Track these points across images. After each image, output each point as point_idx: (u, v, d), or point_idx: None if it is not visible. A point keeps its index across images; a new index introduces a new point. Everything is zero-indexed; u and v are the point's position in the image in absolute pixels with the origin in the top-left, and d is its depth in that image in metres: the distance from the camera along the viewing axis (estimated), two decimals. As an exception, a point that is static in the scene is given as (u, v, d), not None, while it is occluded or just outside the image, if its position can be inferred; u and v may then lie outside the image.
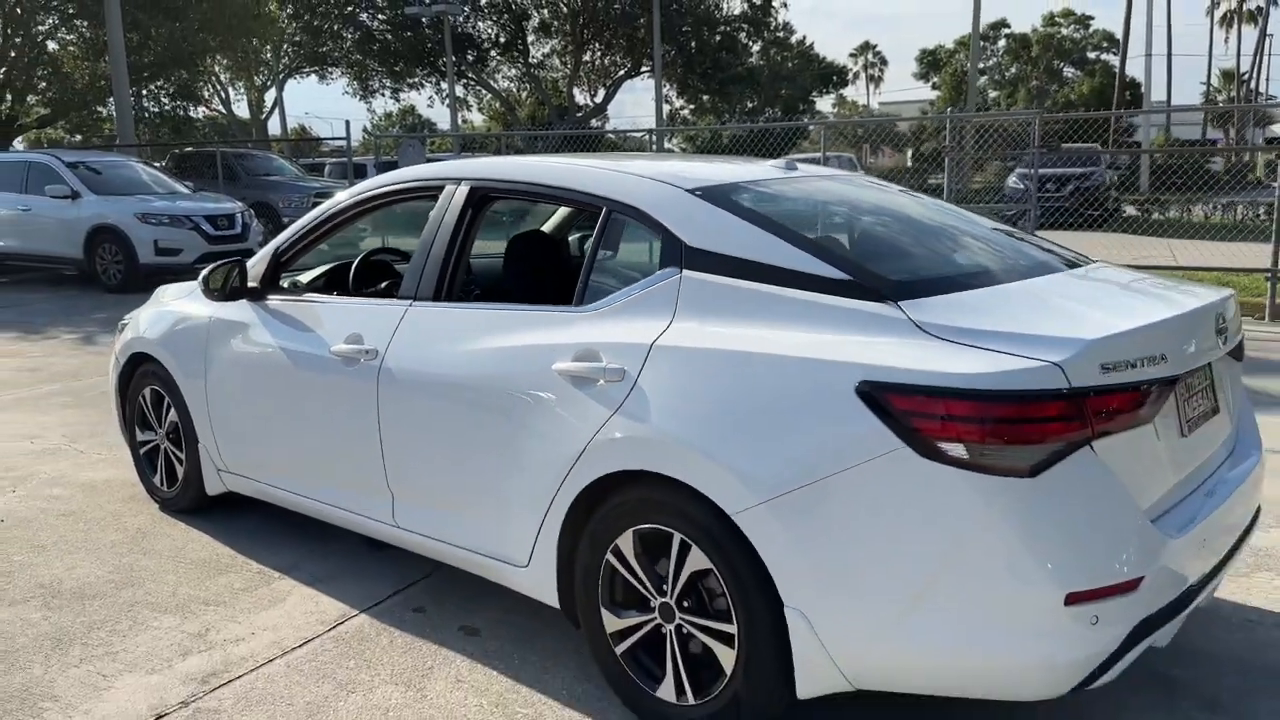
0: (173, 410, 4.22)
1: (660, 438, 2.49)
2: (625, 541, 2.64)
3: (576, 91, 38.74)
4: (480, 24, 36.03)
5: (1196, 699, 2.78)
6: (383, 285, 3.94)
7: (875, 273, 2.47)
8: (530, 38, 36.32)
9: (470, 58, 36.24)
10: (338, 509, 3.54)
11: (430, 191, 3.42)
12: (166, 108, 21.64)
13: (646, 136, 19.13)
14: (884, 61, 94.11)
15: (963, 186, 21.02)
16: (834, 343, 2.32)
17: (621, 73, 36.55)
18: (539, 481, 2.77)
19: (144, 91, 20.57)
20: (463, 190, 3.28)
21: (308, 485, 3.65)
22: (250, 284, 3.84)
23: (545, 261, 3.65)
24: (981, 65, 64.80)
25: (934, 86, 67.71)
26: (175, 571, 3.76)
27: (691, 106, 43.36)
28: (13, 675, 2.99)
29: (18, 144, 21.87)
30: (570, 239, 4.53)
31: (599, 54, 36.97)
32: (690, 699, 2.57)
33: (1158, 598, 2.22)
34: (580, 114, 37.29)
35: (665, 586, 2.58)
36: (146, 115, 21.35)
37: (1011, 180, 21.74)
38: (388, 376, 3.20)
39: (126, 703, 2.84)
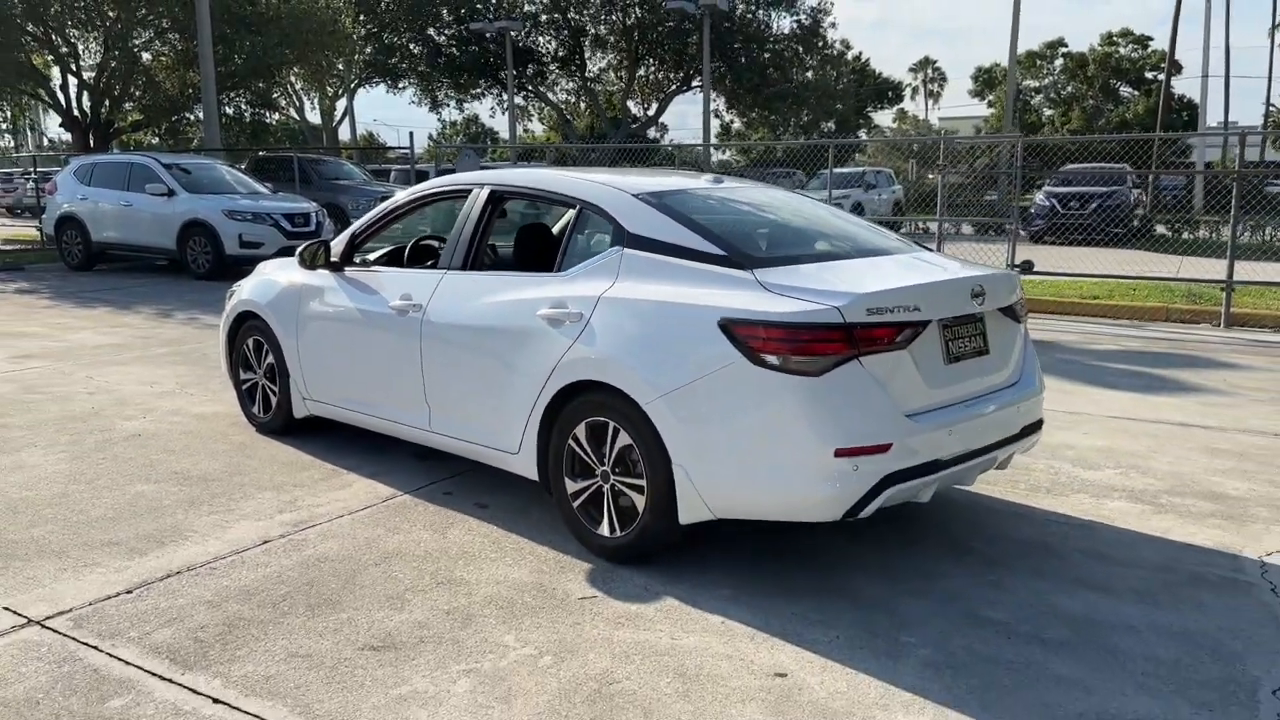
0: (270, 354, 5.60)
1: (602, 358, 3.78)
2: (580, 430, 3.93)
3: (630, 104, 40.24)
4: (540, 39, 37.67)
5: (981, 558, 3.98)
6: (428, 262, 5.29)
7: (742, 251, 3.75)
8: (587, 53, 37.84)
9: (529, 71, 37.89)
10: (391, 422, 4.88)
11: (463, 194, 4.76)
12: (246, 115, 23.51)
13: (702, 149, 20.39)
14: (943, 77, 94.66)
15: (1001, 202, 22.02)
16: (708, 294, 3.59)
17: (673, 87, 37.89)
18: (526, 392, 4.08)
19: (227, 99, 22.41)
20: (484, 192, 4.62)
21: (370, 405, 5.00)
22: (332, 259, 5.21)
23: (540, 243, 4.96)
24: (1036, 83, 65.16)
25: (989, 104, 68.00)
26: (270, 468, 5.14)
27: (746, 119, 44.60)
28: (164, 519, 4.37)
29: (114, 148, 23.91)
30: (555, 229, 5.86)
31: (652, 69, 38.43)
32: (618, 533, 3.85)
33: (904, 460, 3.44)
34: (634, 125, 38.76)
35: (604, 459, 3.86)
36: (227, 121, 23.22)
37: (1039, 198, 22.69)
38: (428, 323, 4.54)
39: (243, 535, 4.19)
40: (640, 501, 3.75)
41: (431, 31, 36.67)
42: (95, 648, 3.18)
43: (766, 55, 36.17)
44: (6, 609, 3.45)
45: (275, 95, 24.07)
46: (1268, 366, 7.93)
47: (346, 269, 5.17)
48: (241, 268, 11.59)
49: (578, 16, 36.64)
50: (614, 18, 36.03)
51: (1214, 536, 4.23)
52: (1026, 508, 4.59)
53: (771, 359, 3.37)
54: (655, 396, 3.60)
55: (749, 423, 3.44)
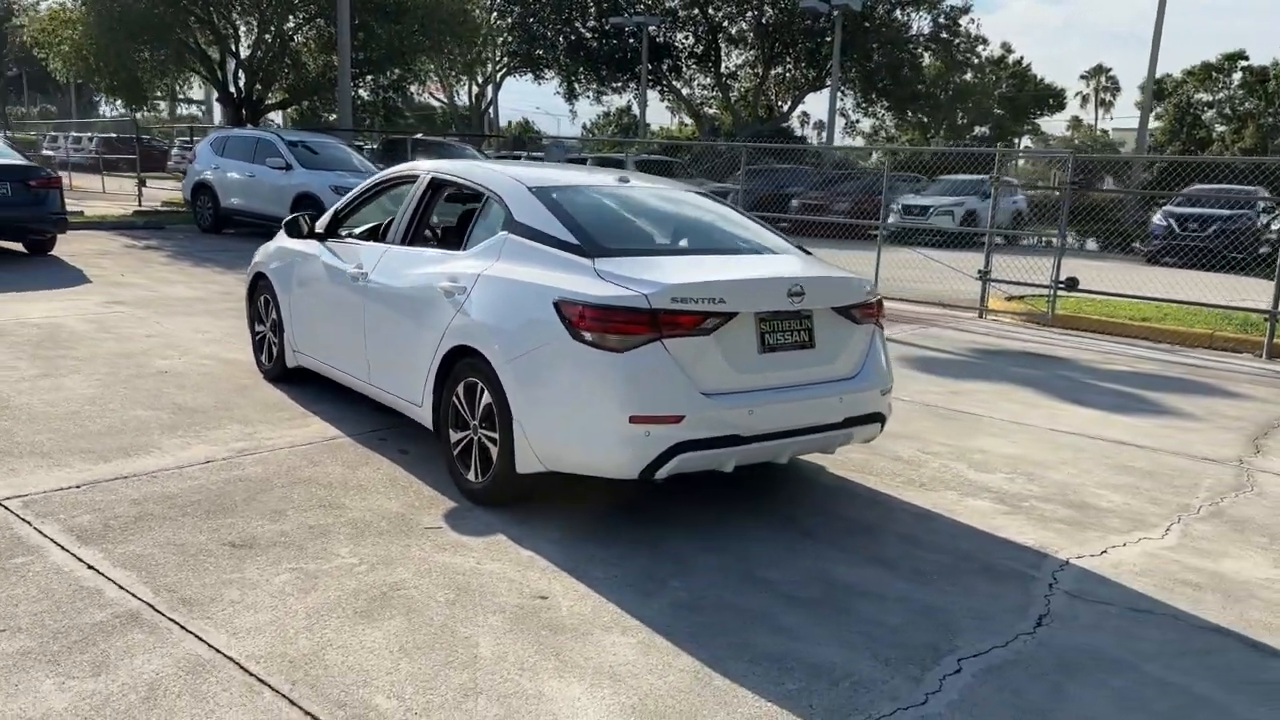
0: (274, 310, 6.45)
1: (473, 326, 4.39)
2: (460, 389, 4.55)
3: (766, 100, 40.49)
4: (678, 35, 38.35)
5: (801, 530, 4.40)
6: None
7: (593, 241, 4.29)
8: (722, 49, 38.28)
9: (665, 66, 38.64)
10: (344, 374, 5.63)
11: (410, 179, 5.45)
12: (381, 99, 25.16)
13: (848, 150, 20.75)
14: (1116, 86, 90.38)
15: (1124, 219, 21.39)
16: (553, 277, 4.15)
17: (806, 85, 37.92)
18: (426, 353, 4.73)
19: (364, 83, 24.04)
20: (426, 179, 5.30)
21: (333, 359, 5.76)
22: (316, 230, 5.99)
23: (463, 225, 5.56)
24: (1210, 97, 61.56)
25: (1157, 116, 64.61)
26: (253, 407, 5.97)
27: (897, 121, 44.08)
28: (141, 437, 5.23)
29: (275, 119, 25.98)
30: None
31: (789, 66, 38.56)
32: (480, 478, 4.46)
33: (696, 432, 3.92)
34: (768, 121, 39.00)
35: (475, 414, 4.47)
36: (363, 104, 24.90)
37: (1156, 218, 21.84)
38: (370, 289, 5.25)
39: (194, 455, 5.00)
40: (495, 452, 4.34)
41: (576, 24, 37.92)
42: (27, 522, 4.02)
43: (903, 56, 35.76)
44: (50, 485, 4.35)
45: (409, 81, 25.55)
46: (1269, 398, 7.81)
47: (329, 240, 5.94)
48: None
49: (715, 13, 37.14)
50: (750, 15, 36.34)
51: (1042, 538, 4.50)
52: (887, 496, 4.94)
53: (587, 335, 3.90)
54: (504, 361, 4.18)
55: (567, 389, 3.99)
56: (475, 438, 4.48)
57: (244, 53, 23.45)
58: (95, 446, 5.03)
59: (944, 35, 36.38)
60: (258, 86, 23.78)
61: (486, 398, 4.36)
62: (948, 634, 3.50)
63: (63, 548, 3.79)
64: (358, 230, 6.20)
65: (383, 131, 25.91)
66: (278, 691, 2.89)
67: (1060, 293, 11.35)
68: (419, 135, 22.64)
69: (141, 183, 21.80)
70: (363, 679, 2.98)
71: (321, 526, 4.15)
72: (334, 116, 22.43)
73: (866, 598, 3.76)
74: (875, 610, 3.65)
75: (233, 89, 23.83)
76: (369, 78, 23.89)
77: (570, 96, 41.32)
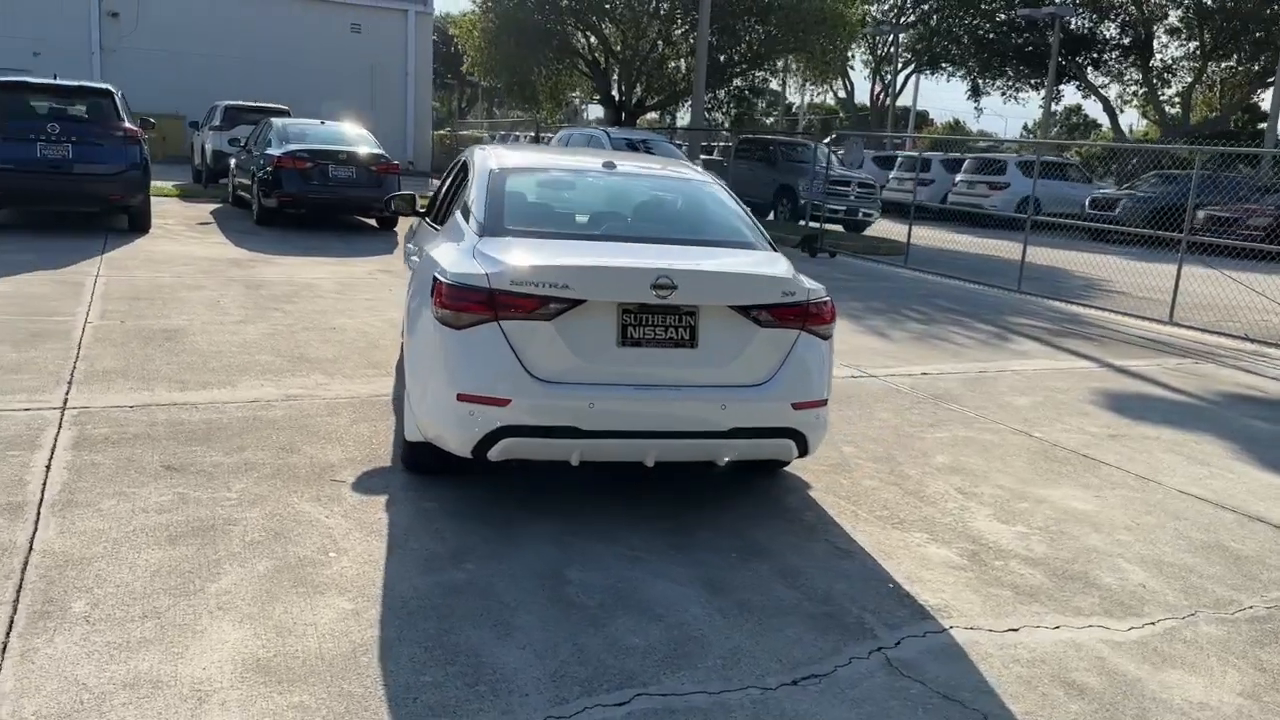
0: (405, 281, 7.15)
1: (408, 301, 4.64)
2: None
3: (1209, 96, 35.39)
4: (1101, 26, 34.76)
5: (679, 538, 4.10)
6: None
7: (494, 222, 4.32)
8: (1158, 40, 34.04)
9: (1084, 60, 35.23)
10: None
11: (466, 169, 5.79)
12: (735, 98, 25.80)
13: None
14: None
15: None
16: (447, 254, 4.26)
17: (1249, 82, 32.55)
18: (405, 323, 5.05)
19: (726, 83, 24.81)
20: (460, 164, 5.60)
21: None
22: (418, 209, 6.55)
23: None
24: None
25: None
26: (357, 365, 6.68)
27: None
28: (234, 376, 6.12)
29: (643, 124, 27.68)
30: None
31: (1239, 60, 33.34)
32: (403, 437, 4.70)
33: (524, 418, 3.81)
34: (1213, 121, 34.06)
35: (412, 381, 4.72)
36: (724, 103, 25.77)
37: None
38: (409, 264, 5.68)
39: (251, 394, 5.76)
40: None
41: (980, 19, 35.87)
42: (59, 426, 4.95)
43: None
44: (65, 403, 5.41)
45: (767, 81, 25.90)
46: None
47: (425, 220, 6.47)
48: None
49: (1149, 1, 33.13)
50: (1188, 2, 31.94)
51: (954, 601, 3.77)
52: (836, 525, 4.40)
53: (440, 311, 3.98)
54: (405, 334, 4.39)
55: (426, 362, 4.10)
56: (407, 405, 4.73)
57: (621, 56, 25.26)
58: (191, 379, 5.99)
59: None
60: (637, 89, 25.52)
61: (413, 368, 4.58)
62: (670, 667, 3.13)
63: (52, 448, 4.64)
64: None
65: (736, 130, 26.58)
66: (26, 578, 3.38)
67: None
68: (770, 135, 22.91)
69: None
70: (92, 584, 3.38)
71: (251, 463, 4.64)
72: (684, 118, 23.46)
73: (640, 616, 3.45)
74: (627, 630, 3.36)
75: (614, 92, 25.80)
76: (735, 80, 24.60)
77: (975, 94, 39.24)
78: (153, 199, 16.57)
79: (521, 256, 3.99)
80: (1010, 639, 3.49)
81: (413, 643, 3.16)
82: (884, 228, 20.04)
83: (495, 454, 3.92)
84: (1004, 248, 15.13)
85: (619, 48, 25.01)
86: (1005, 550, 4.28)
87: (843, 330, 9.21)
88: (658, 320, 3.96)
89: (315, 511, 4.14)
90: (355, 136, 14.76)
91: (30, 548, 3.61)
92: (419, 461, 4.52)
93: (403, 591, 3.50)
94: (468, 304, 3.87)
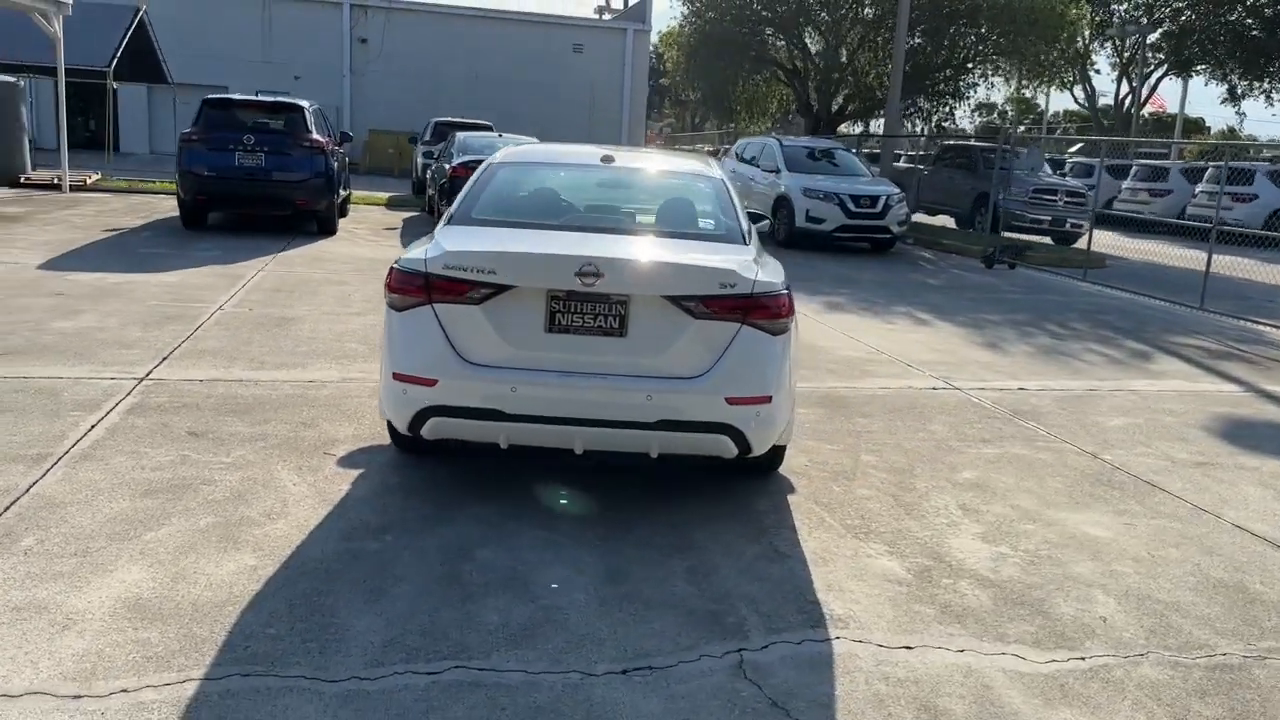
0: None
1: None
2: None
3: None
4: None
5: (588, 534, 4.09)
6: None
7: (464, 211, 4.48)
8: None
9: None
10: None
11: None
12: (941, 106, 24.67)
13: None
14: None
15: None
16: (418, 240, 4.46)
17: None
18: None
19: (930, 91, 23.85)
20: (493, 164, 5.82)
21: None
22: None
23: None
24: None
25: None
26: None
27: None
28: (311, 360, 6.63)
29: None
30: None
31: None
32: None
33: (449, 399, 3.93)
34: None
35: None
36: (915, 109, 24.76)
37: None
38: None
39: (314, 375, 6.23)
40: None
41: (1245, 14, 32.49)
42: (127, 394, 5.58)
43: None
44: (147, 374, 6.07)
45: (970, 86, 24.63)
46: None
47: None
48: (813, 240, 13.69)
49: None
50: None
51: (850, 612, 3.54)
52: (779, 530, 4.23)
53: (388, 295, 4.19)
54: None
55: (382, 344, 4.31)
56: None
57: (820, 65, 24.91)
58: (271, 360, 6.55)
59: None
60: (837, 98, 25.11)
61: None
62: (510, 646, 3.15)
63: (108, 412, 5.24)
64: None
65: (931, 136, 25.45)
66: (4, 517, 3.87)
67: None
68: (968, 140, 21.81)
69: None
70: (52, 525, 3.82)
71: (265, 434, 5.04)
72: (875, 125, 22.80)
73: (516, 597, 3.49)
74: (493, 608, 3.40)
75: (813, 101, 25.51)
76: (940, 85, 23.66)
77: (1233, 98, 35.60)
78: (360, 206, 18.06)
79: (461, 243, 4.13)
80: (896, 656, 3.25)
81: (281, 599, 3.36)
82: (1109, 242, 18.30)
83: (426, 432, 4.07)
84: (1241, 267, 13.50)
85: (818, 57, 24.68)
86: (964, 569, 3.96)
87: (956, 341, 8.71)
88: (587, 308, 3.97)
89: (287, 479, 4.46)
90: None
91: (25, 491, 4.12)
92: (397, 440, 4.75)
93: (309, 555, 3.72)
94: (407, 287, 4.05)
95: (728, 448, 4.06)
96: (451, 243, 4.14)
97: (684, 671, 3.07)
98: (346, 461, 4.73)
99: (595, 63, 35.81)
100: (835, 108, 24.70)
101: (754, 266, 4.16)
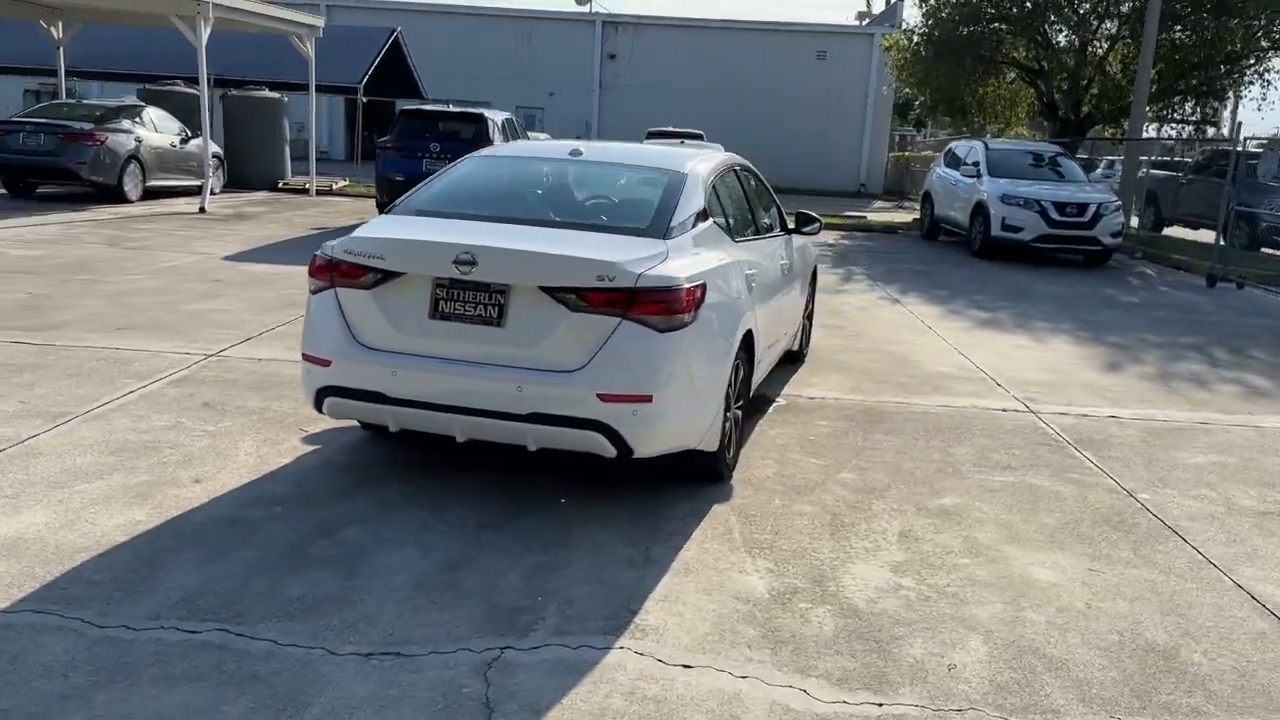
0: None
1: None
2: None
3: None
4: None
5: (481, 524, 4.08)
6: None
7: (409, 201, 4.62)
8: None
9: None
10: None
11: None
12: (1197, 107, 21.87)
13: None
14: None
15: None
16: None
17: None
18: None
19: (1191, 90, 21.28)
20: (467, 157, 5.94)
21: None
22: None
23: None
24: None
25: None
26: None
27: None
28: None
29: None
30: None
31: None
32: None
33: (340, 379, 4.06)
34: None
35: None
36: (1169, 114, 22.15)
37: None
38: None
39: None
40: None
41: None
42: (185, 368, 6.20)
43: None
44: (217, 352, 6.70)
45: (1225, 86, 21.68)
46: None
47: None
48: (1010, 251, 12.98)
49: None
50: None
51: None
52: (715, 539, 4.02)
53: (308, 279, 4.41)
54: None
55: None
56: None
57: (1061, 65, 23.01)
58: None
59: None
60: (1088, 99, 23.15)
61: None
62: (280, 617, 3.24)
63: (155, 381, 5.85)
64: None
65: (1195, 140, 22.67)
66: (-13, 461, 4.46)
67: None
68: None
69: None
70: (15, 471, 4.34)
71: (265, 409, 5.43)
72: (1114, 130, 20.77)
73: (333, 573, 3.57)
74: (303, 581, 3.50)
75: (1058, 102, 23.64)
76: (1185, 86, 21.18)
77: None
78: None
79: (368, 230, 4.27)
80: (667, 674, 3.02)
81: (131, 552, 3.64)
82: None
83: (327, 411, 4.25)
84: None
85: (1065, 55, 22.82)
86: (837, 597, 3.59)
87: (1080, 362, 7.84)
88: (469, 297, 3.98)
89: (244, 449, 4.79)
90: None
91: (21, 441, 4.71)
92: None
93: (195, 518, 3.99)
94: (318, 272, 4.25)
95: (604, 446, 3.93)
96: (363, 230, 4.30)
97: (428, 662, 3.03)
98: (312, 439, 5.01)
99: (838, 69, 35.10)
100: (1085, 111, 22.71)
101: (651, 261, 4.00)
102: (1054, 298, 11.42)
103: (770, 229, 6.01)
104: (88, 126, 15.09)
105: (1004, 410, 6.28)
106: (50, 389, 5.53)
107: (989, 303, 10.78)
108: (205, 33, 15.16)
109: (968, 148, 16.88)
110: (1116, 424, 6.11)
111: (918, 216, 19.72)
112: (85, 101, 18.52)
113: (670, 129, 21.84)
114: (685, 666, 3.08)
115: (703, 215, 4.63)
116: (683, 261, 4.17)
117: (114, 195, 15.37)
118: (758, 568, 3.81)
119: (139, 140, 15.87)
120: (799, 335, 6.95)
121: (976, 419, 6.03)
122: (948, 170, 16.98)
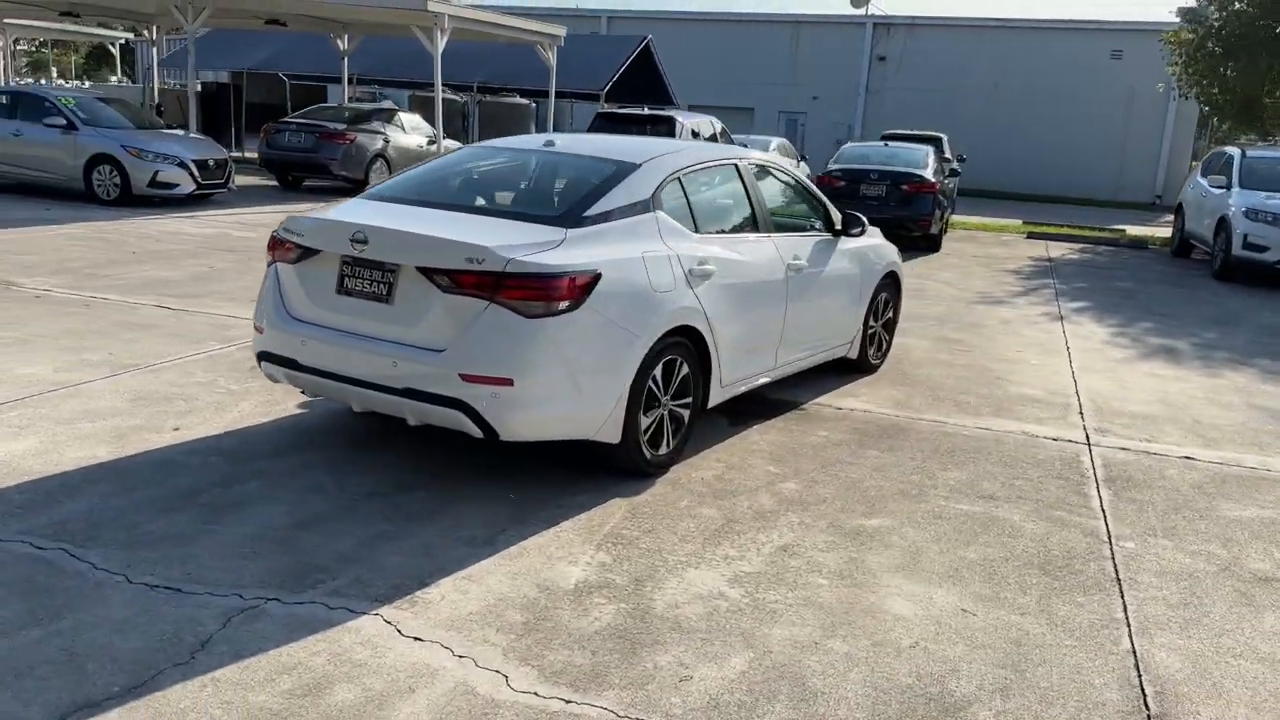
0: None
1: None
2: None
3: None
4: None
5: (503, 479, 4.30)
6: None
7: (374, 188, 4.92)
8: None
9: None
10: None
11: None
12: None
13: None
14: None
15: None
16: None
17: None
18: None
19: None
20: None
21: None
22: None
23: None
24: None
25: None
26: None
27: None
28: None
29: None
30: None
31: None
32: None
33: (269, 346, 4.43)
34: None
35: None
36: None
37: None
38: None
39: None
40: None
41: None
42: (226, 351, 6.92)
43: None
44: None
45: None
46: None
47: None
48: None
49: None
50: None
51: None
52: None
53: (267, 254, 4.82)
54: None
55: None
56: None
57: None
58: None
59: None
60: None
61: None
62: (166, 564, 3.63)
63: (231, 344, 6.59)
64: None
65: None
66: (29, 391, 5.27)
67: None
68: None
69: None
70: (37, 404, 5.11)
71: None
72: None
73: (258, 531, 3.93)
74: (243, 536, 3.88)
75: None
76: None
77: None
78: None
79: (318, 211, 4.61)
80: (389, 641, 3.09)
81: (61, 478, 4.20)
82: None
83: (266, 374, 4.64)
84: None
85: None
86: (640, 597, 3.47)
87: (1212, 398, 6.83)
88: (366, 274, 4.22)
89: (241, 409, 5.32)
90: (911, 159, 14.74)
91: (71, 385, 5.50)
92: None
93: (137, 460, 4.49)
94: (270, 247, 4.65)
95: (468, 426, 4.02)
96: (314, 211, 4.65)
97: (194, 600, 3.27)
98: (307, 405, 5.45)
99: (1136, 69, 31.92)
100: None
101: (534, 248, 4.04)
102: (1268, 329, 9.88)
103: (791, 228, 5.77)
104: (340, 127, 16.94)
105: (1053, 439, 5.61)
106: (144, 346, 6.39)
107: (1178, 329, 9.53)
108: (442, 42, 16.53)
109: (1225, 155, 14.88)
110: (1183, 465, 5.29)
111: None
112: (348, 104, 20.67)
113: (905, 132, 20.91)
114: (417, 639, 3.13)
115: (643, 207, 4.57)
116: (580, 250, 4.17)
117: (363, 189, 17.12)
118: (591, 561, 3.74)
119: (387, 140, 17.58)
120: (857, 343, 6.57)
121: (1005, 445, 5.45)
122: (1202, 179, 15.06)
